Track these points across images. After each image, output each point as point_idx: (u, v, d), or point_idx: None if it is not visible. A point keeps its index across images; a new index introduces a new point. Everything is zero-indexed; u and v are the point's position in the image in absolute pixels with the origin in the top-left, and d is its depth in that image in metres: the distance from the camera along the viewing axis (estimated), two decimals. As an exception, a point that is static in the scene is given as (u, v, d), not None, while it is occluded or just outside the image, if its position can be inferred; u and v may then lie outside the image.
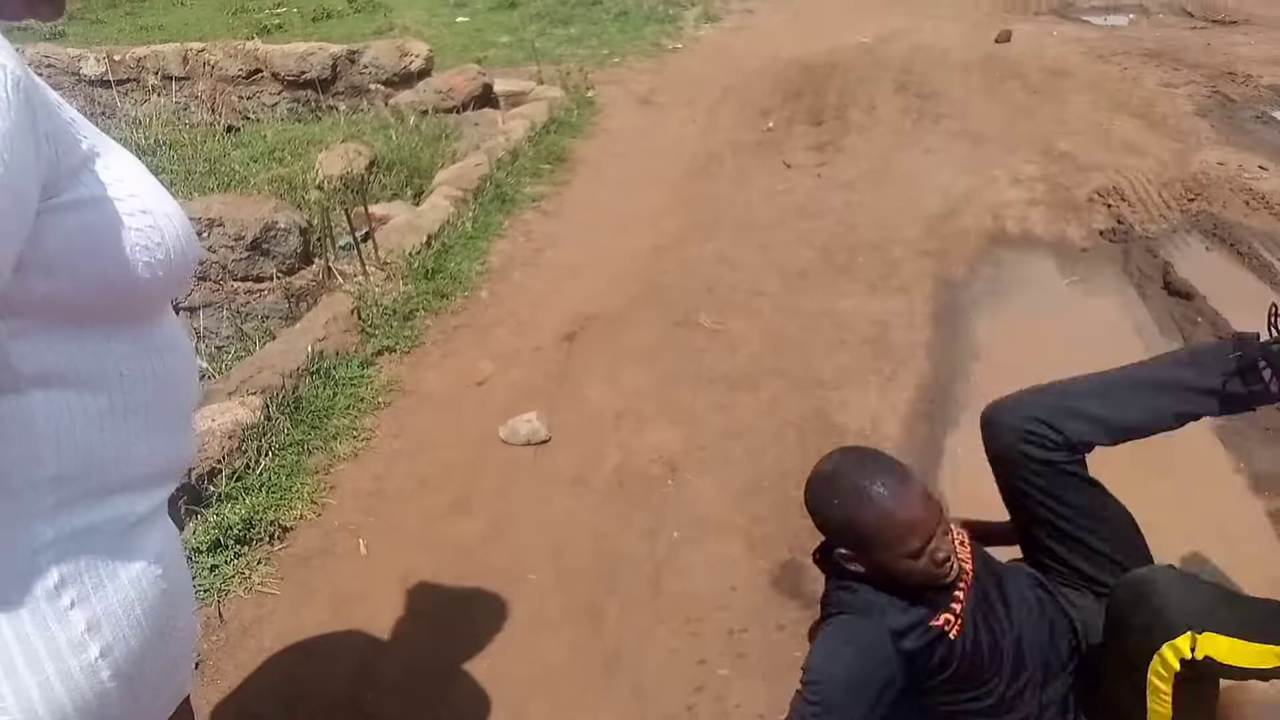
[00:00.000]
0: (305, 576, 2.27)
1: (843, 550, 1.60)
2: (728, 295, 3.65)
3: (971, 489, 2.51)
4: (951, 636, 1.57)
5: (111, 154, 0.90)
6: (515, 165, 4.95)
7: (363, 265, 3.44)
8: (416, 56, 6.71)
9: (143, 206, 0.88)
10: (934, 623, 1.56)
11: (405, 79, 6.63)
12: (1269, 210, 4.44)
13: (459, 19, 11.12)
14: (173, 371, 0.97)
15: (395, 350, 3.17)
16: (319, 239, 3.66)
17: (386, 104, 6.45)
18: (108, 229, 0.85)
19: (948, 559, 1.56)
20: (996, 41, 8.42)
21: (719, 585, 2.19)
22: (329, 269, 3.58)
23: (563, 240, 4.23)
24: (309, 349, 2.94)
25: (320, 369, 2.91)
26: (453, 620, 2.12)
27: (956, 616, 1.58)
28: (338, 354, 3.01)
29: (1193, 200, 4.58)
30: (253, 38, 8.30)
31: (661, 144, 5.74)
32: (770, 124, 6.10)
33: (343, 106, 6.67)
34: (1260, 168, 5.07)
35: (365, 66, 6.77)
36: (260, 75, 6.83)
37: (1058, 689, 1.66)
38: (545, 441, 2.73)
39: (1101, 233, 4.22)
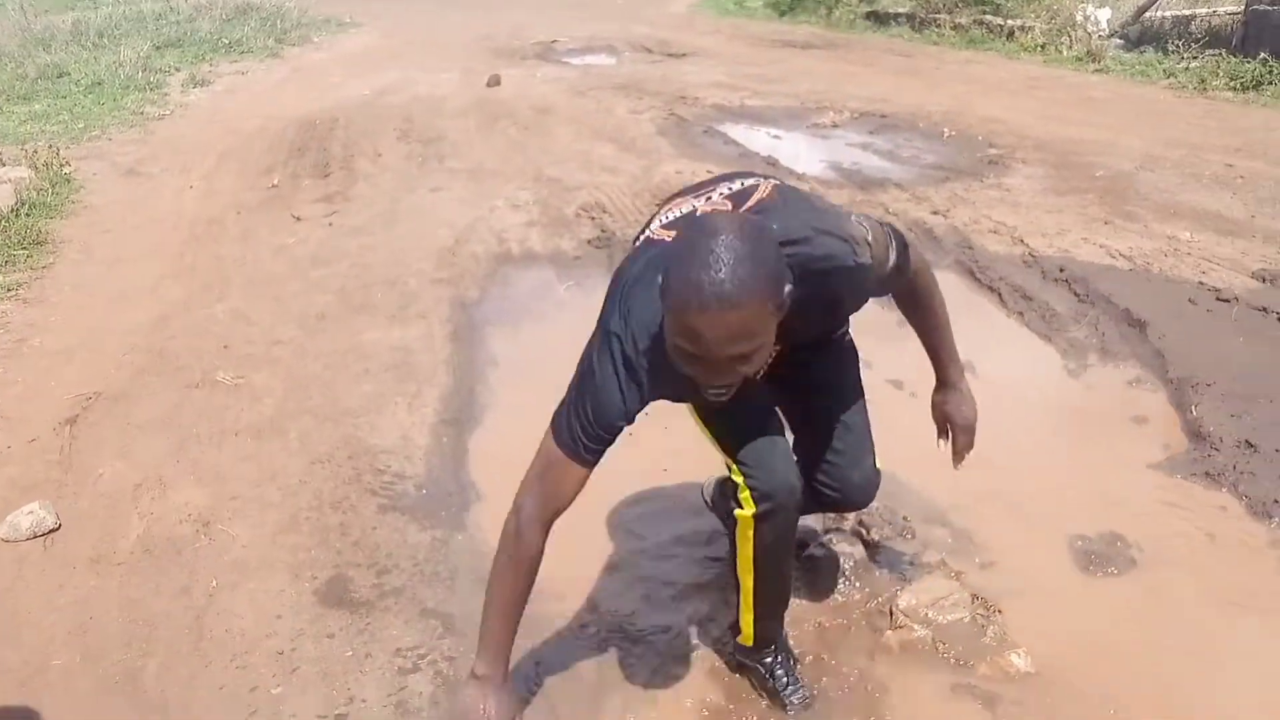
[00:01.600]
0: None
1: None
2: (245, 349, 3.61)
3: (497, 485, 2.78)
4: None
5: None
6: (-20, 255, 4.44)
7: None
8: None
9: None
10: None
11: None
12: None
13: (-117, 105, 9.55)
14: None
15: None
16: None
17: None
18: None
19: (721, 394, 1.49)
20: (488, 86, 9.08)
21: (265, 617, 2.21)
22: None
23: (49, 326, 3.88)
24: None
25: None
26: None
27: None
28: None
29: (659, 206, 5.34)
30: None
31: (156, 214, 5.45)
32: (275, 181, 6.05)
33: None
34: (708, 171, 6.04)
35: None
36: None
37: None
38: (55, 529, 2.53)
39: (589, 241, 4.78)
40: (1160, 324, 3.56)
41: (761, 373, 1.60)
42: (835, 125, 7.34)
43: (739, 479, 1.76)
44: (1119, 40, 9.94)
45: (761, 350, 1.44)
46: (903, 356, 3.37)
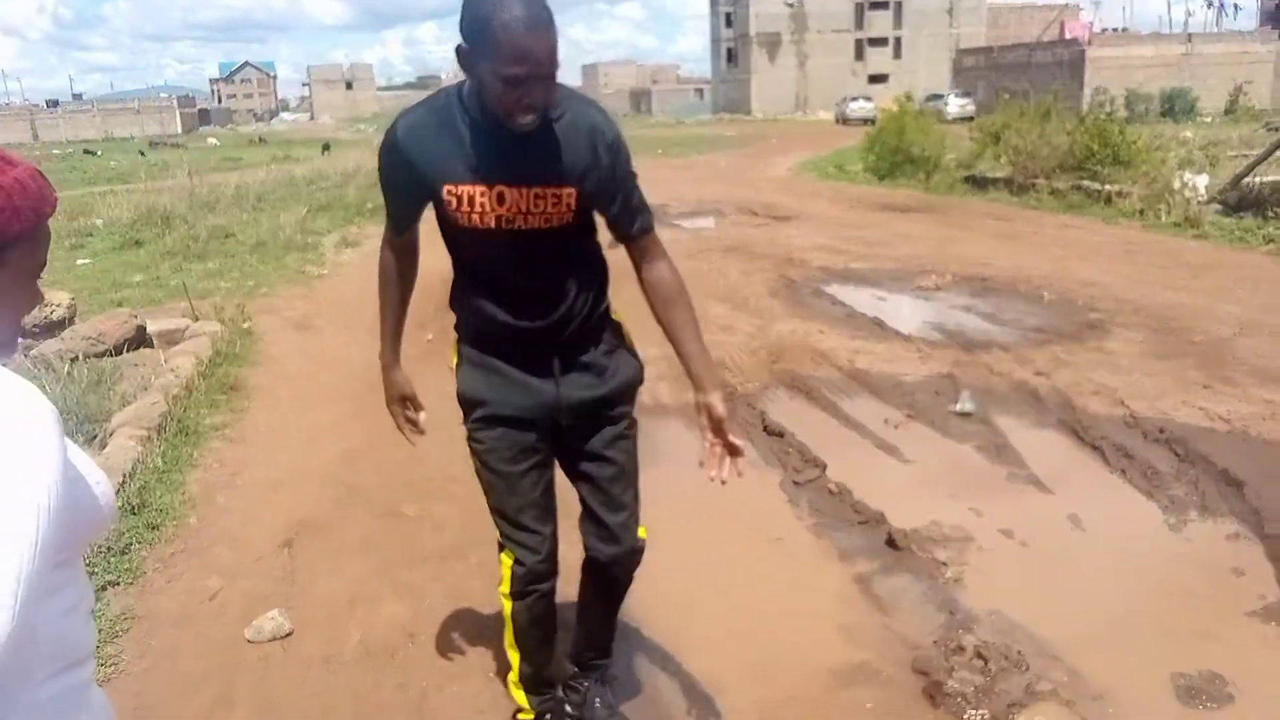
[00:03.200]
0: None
1: (462, 45, 1.77)
2: (424, 486, 4.15)
3: (646, 604, 3.18)
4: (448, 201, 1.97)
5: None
6: (192, 399, 5.16)
7: (67, 509, 3.53)
8: (58, 306, 6.66)
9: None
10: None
11: (48, 329, 6.53)
12: (829, 363, 5.78)
13: (79, 262, 10.84)
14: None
15: (119, 584, 3.30)
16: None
17: (26, 356, 6.30)
18: None
19: (533, 110, 1.77)
20: (608, 248, 9.85)
21: (469, 712, 2.63)
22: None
23: (255, 461, 4.51)
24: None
25: (44, 611, 2.99)
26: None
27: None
28: (62, 593, 3.10)
29: (776, 362, 5.83)
30: None
31: (328, 363, 6.18)
32: (430, 336, 6.75)
33: (-25, 364, 6.40)
34: (819, 331, 6.54)
35: (-1, 320, 6.58)
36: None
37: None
38: (290, 634, 3.02)
39: (714, 394, 5.26)
40: (1257, 484, 3.82)
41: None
42: (938, 288, 7.80)
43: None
44: (1218, 206, 10.25)
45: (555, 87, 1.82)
46: (1019, 510, 3.72)
